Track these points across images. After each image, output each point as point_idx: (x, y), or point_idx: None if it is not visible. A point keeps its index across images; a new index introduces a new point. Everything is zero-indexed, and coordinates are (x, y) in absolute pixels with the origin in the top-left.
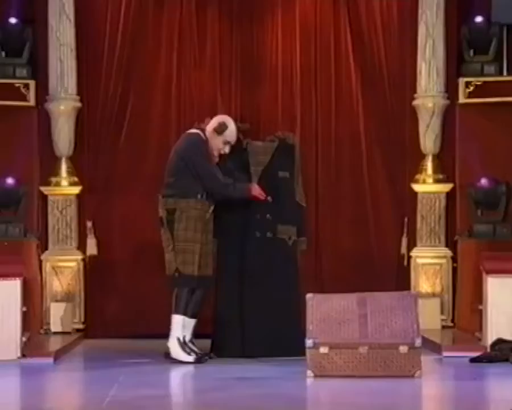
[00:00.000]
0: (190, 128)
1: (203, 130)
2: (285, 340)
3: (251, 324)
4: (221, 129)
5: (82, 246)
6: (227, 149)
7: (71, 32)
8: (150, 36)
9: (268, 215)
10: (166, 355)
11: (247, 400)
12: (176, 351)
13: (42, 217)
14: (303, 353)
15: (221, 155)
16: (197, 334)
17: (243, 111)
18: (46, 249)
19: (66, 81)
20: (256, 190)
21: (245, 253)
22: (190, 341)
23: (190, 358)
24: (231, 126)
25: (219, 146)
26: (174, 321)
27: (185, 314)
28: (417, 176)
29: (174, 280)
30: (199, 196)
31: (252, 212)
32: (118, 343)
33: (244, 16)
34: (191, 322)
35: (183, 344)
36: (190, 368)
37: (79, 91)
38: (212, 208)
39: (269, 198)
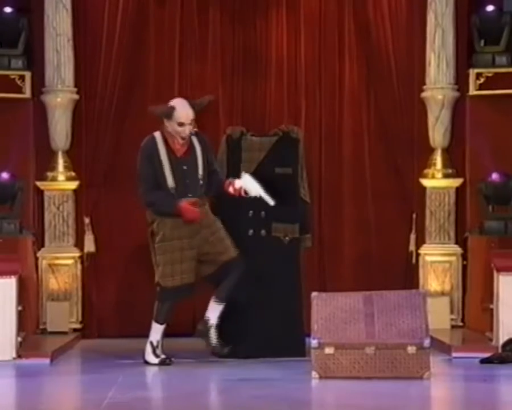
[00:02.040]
0: None
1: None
2: (285, 340)
3: (252, 324)
4: (168, 113)
5: (79, 243)
6: (187, 130)
7: (68, 21)
8: (151, 27)
9: (262, 213)
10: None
11: (249, 402)
12: (147, 352)
13: (39, 213)
14: (304, 354)
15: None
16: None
17: (246, 106)
18: (42, 246)
19: (63, 73)
20: (187, 210)
21: (240, 252)
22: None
23: (156, 360)
24: (179, 106)
25: (176, 129)
26: (153, 327)
27: (164, 322)
28: (426, 171)
29: (157, 294)
30: None
31: (245, 209)
32: (116, 343)
33: (246, 9)
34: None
35: (155, 348)
36: (191, 369)
37: (77, 83)
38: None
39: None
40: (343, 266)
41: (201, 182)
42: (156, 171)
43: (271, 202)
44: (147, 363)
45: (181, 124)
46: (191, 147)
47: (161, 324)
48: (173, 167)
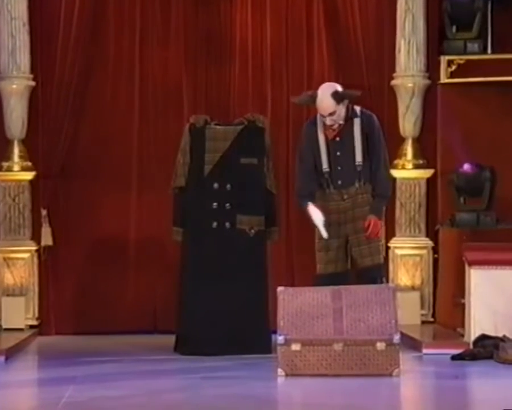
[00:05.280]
0: (153, 111)
1: None
2: (251, 337)
3: (216, 320)
4: (312, 100)
5: (36, 236)
6: (328, 121)
7: (24, 4)
8: (110, 10)
9: (227, 204)
10: None
11: (213, 401)
12: None
13: None
14: (270, 351)
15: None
16: (161, 331)
17: (210, 94)
18: None
19: (19, 58)
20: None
21: (204, 245)
22: None
23: None
24: (320, 97)
25: (320, 116)
26: None
27: None
28: (396, 161)
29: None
30: (325, 187)
31: (209, 201)
32: (74, 340)
33: None
34: None
35: None
36: (153, 366)
37: (33, 69)
38: (339, 198)
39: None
40: (311, 260)
41: (359, 169)
42: (314, 155)
43: (325, 234)
44: None
45: (321, 114)
46: (347, 129)
47: None
48: (328, 149)
